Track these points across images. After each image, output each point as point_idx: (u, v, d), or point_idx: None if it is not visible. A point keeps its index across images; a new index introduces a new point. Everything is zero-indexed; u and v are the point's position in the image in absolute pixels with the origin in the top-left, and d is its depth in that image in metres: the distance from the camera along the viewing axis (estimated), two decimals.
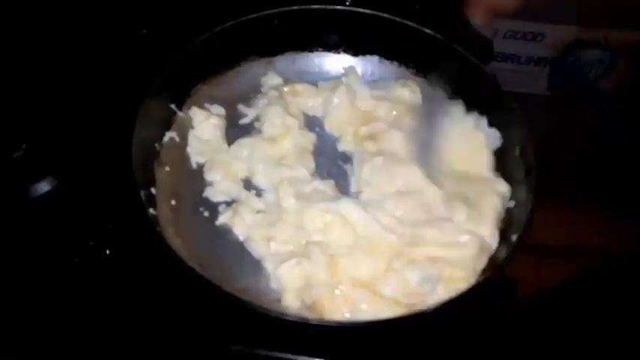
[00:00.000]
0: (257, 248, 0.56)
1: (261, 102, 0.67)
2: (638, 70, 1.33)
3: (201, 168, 0.63)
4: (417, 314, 0.48)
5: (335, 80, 0.69)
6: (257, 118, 0.67)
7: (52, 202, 0.62)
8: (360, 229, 0.55)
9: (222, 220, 0.58)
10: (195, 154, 0.63)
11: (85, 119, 0.66)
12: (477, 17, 0.55)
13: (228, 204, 0.60)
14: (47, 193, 0.62)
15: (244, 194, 0.60)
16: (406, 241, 0.54)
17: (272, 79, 0.69)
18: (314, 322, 0.46)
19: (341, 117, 0.66)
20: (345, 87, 0.67)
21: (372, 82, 0.70)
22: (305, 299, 0.52)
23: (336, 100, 0.66)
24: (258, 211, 0.59)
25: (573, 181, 1.65)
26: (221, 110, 0.67)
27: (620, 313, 0.74)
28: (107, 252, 0.57)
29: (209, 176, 0.61)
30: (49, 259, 0.57)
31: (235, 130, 0.66)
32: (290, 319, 0.46)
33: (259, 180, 0.61)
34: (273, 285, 0.54)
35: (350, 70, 0.70)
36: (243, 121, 0.67)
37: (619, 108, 1.42)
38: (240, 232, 0.57)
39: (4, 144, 0.64)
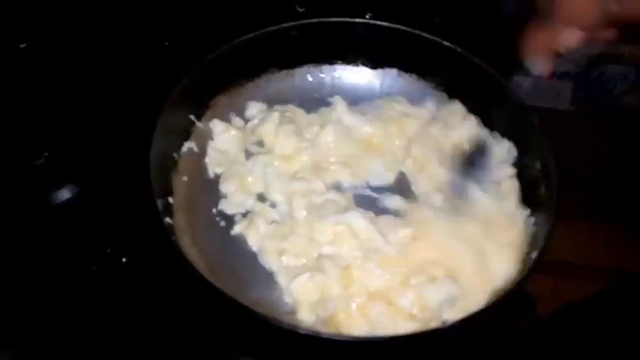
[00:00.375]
0: (269, 261, 0.56)
1: (270, 121, 0.66)
2: None
3: (218, 178, 0.63)
4: (433, 331, 0.47)
5: (324, 111, 0.68)
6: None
7: (72, 209, 0.63)
8: (367, 242, 0.54)
9: (237, 229, 0.58)
10: (213, 164, 0.64)
11: (106, 128, 0.68)
12: (537, 63, 0.50)
13: (244, 215, 0.60)
14: (67, 200, 0.63)
15: (258, 206, 0.60)
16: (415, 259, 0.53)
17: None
18: (326, 337, 0.46)
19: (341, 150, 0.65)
20: (333, 126, 0.66)
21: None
22: (320, 313, 0.52)
23: (329, 138, 0.65)
24: (272, 222, 0.58)
25: (597, 197, 1.62)
26: (240, 122, 0.67)
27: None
28: (123, 260, 0.57)
29: (224, 187, 0.62)
30: (68, 265, 0.58)
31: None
32: (302, 332, 0.46)
33: (274, 193, 0.61)
34: (287, 299, 0.53)
35: (337, 101, 0.69)
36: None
37: None
38: (254, 242, 0.57)
39: (27, 152, 0.66)
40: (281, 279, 0.54)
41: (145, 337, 0.54)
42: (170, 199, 0.58)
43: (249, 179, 0.62)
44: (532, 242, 0.54)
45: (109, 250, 0.59)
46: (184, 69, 0.64)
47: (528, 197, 0.59)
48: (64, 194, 0.64)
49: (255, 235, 0.57)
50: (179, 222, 0.57)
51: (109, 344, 0.54)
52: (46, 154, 0.65)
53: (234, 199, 0.61)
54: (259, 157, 0.64)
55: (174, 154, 0.62)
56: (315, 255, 0.55)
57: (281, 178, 0.61)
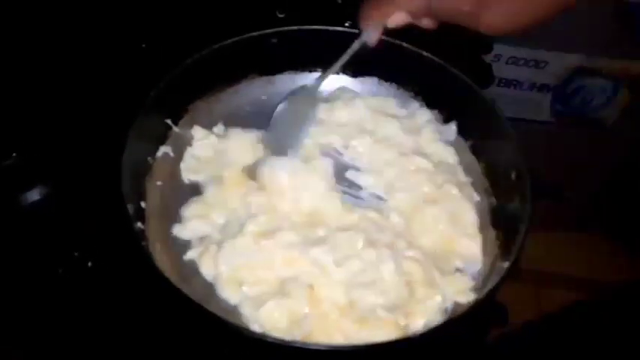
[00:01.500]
0: (230, 295, 0.53)
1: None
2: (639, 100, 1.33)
3: (192, 185, 0.62)
4: (403, 339, 0.47)
5: None
6: None
7: (41, 211, 0.62)
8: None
9: (190, 255, 0.56)
10: (188, 170, 0.63)
11: (78, 130, 0.67)
12: (367, 32, 0.59)
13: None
14: (36, 202, 0.63)
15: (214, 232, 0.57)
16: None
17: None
18: (297, 345, 0.45)
19: None
20: None
21: None
22: (296, 335, 0.50)
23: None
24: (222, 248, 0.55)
25: (580, 210, 1.65)
26: (221, 129, 0.66)
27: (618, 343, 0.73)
28: (89, 264, 0.57)
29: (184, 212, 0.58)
30: (35, 267, 0.57)
31: None
32: (271, 340, 0.45)
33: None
34: (256, 327, 0.50)
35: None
36: None
37: (621, 137, 1.43)
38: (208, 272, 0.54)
39: None
40: (245, 309, 0.51)
41: (110, 341, 0.54)
42: (142, 204, 0.57)
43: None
44: (504, 253, 0.54)
45: (76, 254, 0.58)
46: (162, 72, 0.63)
47: (503, 208, 0.59)
48: (33, 196, 0.63)
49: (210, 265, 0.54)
50: (151, 227, 0.56)
51: (74, 347, 0.54)
52: (14, 154, 0.64)
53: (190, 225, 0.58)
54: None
55: (149, 159, 0.61)
56: (276, 279, 0.53)
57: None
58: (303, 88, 0.67)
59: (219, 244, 0.55)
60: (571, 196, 0.56)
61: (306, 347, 0.45)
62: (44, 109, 0.69)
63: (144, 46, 0.77)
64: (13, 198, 0.63)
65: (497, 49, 1.31)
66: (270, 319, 0.50)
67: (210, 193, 0.59)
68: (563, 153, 1.47)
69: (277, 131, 0.63)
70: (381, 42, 0.62)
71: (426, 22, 0.56)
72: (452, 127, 0.67)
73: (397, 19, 0.56)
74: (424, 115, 0.67)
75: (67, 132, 0.67)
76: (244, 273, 0.53)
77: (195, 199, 0.59)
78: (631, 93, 1.36)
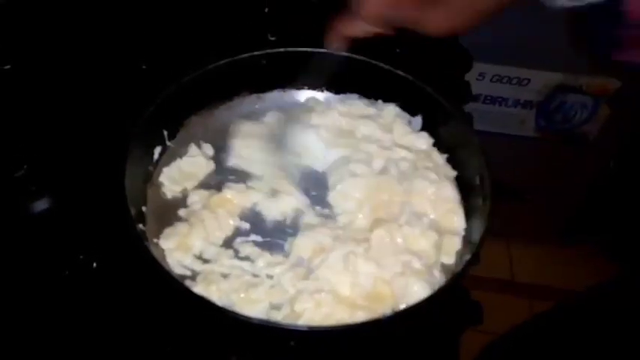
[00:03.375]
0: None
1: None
2: (618, 116, 1.39)
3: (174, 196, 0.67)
4: (373, 321, 0.51)
5: None
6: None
7: (49, 218, 0.66)
8: None
9: (197, 290, 0.56)
10: (170, 182, 0.67)
11: (83, 142, 0.72)
12: (332, 43, 0.65)
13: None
14: (45, 210, 0.67)
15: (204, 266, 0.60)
16: None
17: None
18: (304, 329, 0.51)
19: None
20: None
21: None
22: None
23: None
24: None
25: (561, 220, 1.69)
26: (210, 151, 0.71)
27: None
28: (94, 265, 0.61)
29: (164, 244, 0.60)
30: (43, 270, 0.61)
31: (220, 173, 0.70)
32: (275, 327, 0.50)
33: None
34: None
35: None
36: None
37: (603, 151, 1.48)
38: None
39: (7, 164, 0.69)
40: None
41: (115, 339, 0.57)
42: (144, 208, 0.63)
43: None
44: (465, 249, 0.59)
45: (81, 257, 0.63)
46: (161, 90, 0.69)
47: (469, 208, 0.65)
48: (42, 205, 0.68)
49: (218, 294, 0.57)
50: (152, 229, 0.62)
51: (82, 346, 0.57)
52: (26, 166, 0.69)
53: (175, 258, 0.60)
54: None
55: (149, 167, 0.67)
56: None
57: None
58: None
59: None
60: (531, 199, 0.60)
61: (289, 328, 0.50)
62: (53, 124, 0.74)
63: (144, 67, 0.84)
64: (24, 207, 0.67)
65: (482, 67, 1.37)
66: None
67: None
68: (547, 167, 1.52)
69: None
70: (360, 60, 0.69)
71: (384, 31, 0.62)
72: (418, 119, 0.73)
73: (360, 29, 0.61)
74: (392, 111, 0.74)
75: (73, 144, 0.72)
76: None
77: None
78: (610, 109, 1.41)
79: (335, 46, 0.64)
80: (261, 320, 0.52)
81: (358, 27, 0.60)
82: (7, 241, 0.63)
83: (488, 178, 0.59)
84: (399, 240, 0.59)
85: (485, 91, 1.44)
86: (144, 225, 0.61)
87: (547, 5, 0.49)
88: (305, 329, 0.50)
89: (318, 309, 0.53)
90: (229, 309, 0.53)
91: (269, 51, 0.75)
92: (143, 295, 0.59)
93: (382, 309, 0.54)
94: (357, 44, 0.64)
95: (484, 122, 1.47)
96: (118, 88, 0.78)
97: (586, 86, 1.39)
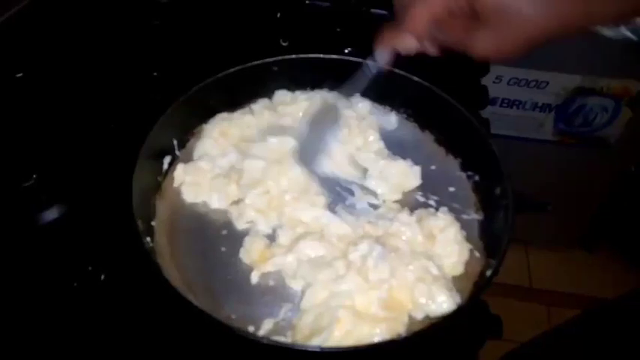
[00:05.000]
0: None
1: None
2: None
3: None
4: (392, 341, 0.50)
5: None
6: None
7: (58, 229, 0.66)
8: None
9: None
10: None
11: (93, 152, 0.71)
12: (380, 54, 0.61)
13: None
14: (54, 220, 0.66)
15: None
16: None
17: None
18: (297, 348, 0.49)
19: None
20: None
21: None
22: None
23: None
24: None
25: (580, 226, 1.65)
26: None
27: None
28: (102, 277, 0.60)
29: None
30: (51, 281, 0.61)
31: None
32: (280, 346, 0.49)
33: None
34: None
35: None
36: None
37: (624, 155, 1.44)
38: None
39: (16, 174, 0.69)
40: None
41: (122, 353, 0.56)
42: (153, 223, 0.62)
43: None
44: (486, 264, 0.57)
45: (90, 268, 0.62)
46: (172, 97, 0.68)
47: (489, 221, 0.62)
48: (51, 215, 0.67)
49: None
50: (160, 242, 0.60)
51: (88, 355, 0.56)
52: (35, 175, 0.68)
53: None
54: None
55: (158, 178, 0.66)
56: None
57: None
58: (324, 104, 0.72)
59: None
60: (554, 209, 0.58)
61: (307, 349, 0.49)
62: (62, 133, 0.73)
63: (155, 74, 0.82)
64: (33, 217, 0.66)
65: (499, 70, 1.34)
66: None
67: None
68: (566, 171, 1.49)
69: (307, 140, 0.68)
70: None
71: (431, 50, 0.59)
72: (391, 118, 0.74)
73: (407, 44, 0.58)
74: (365, 107, 0.74)
75: (83, 153, 0.71)
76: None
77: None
78: (632, 111, 1.37)
79: (382, 57, 0.61)
80: (269, 340, 0.51)
81: (404, 41, 0.58)
82: (16, 251, 0.63)
83: (510, 192, 0.56)
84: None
85: (503, 94, 1.41)
86: (152, 238, 0.60)
87: (607, 35, 0.47)
88: (317, 350, 0.48)
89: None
90: (239, 328, 0.51)
91: (281, 58, 0.74)
92: (151, 309, 0.58)
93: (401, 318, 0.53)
94: (400, 59, 0.61)
95: (501, 126, 1.44)
96: (129, 96, 0.78)
97: (606, 88, 1.36)
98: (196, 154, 0.69)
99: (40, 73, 0.76)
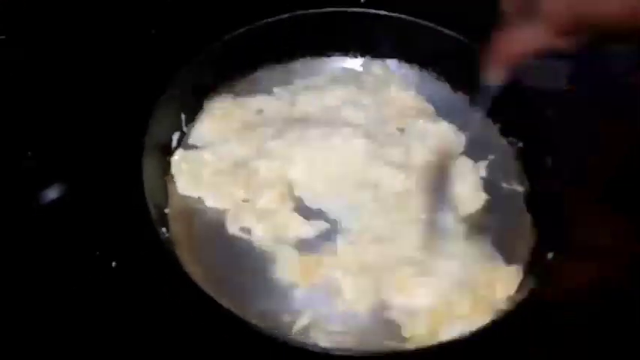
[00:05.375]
0: None
1: None
2: None
3: None
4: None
5: None
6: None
7: (59, 210, 0.60)
8: None
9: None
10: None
11: (93, 124, 0.65)
12: (494, 74, 0.46)
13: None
14: (54, 201, 0.61)
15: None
16: None
17: None
18: (319, 350, 0.45)
19: None
20: None
21: None
22: None
23: None
24: None
25: (600, 183, 1.61)
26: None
27: None
28: (113, 264, 0.55)
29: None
30: (56, 268, 0.56)
31: None
32: (304, 348, 0.45)
33: None
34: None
35: None
36: None
37: None
38: None
39: (9, 152, 0.63)
40: None
41: (136, 344, 0.52)
42: (166, 210, 0.56)
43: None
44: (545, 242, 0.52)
45: (98, 253, 0.56)
46: (173, 58, 0.61)
47: (539, 193, 0.57)
48: (51, 194, 0.61)
49: None
50: (174, 229, 0.55)
51: (98, 352, 0.52)
52: (30, 153, 0.63)
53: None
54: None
55: (168, 157, 0.60)
56: None
57: None
58: None
59: None
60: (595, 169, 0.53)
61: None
62: (57, 105, 0.67)
63: (153, 32, 0.75)
64: (31, 197, 0.61)
65: None
66: None
67: None
68: (582, 123, 1.43)
69: None
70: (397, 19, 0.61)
71: (566, 39, 0.42)
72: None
73: (531, 41, 0.42)
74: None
75: (81, 127, 0.65)
76: None
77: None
78: None
79: (497, 76, 0.46)
80: (285, 337, 0.47)
81: (531, 39, 0.42)
82: (14, 236, 0.57)
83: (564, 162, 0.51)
84: None
85: None
86: (167, 227, 0.54)
87: None
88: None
89: None
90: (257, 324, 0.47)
91: (295, 13, 0.66)
92: (166, 299, 0.53)
93: None
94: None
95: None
96: (127, 59, 0.70)
97: None
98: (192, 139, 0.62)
99: (26, 37, 0.70)
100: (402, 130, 0.63)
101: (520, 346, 0.51)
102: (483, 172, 0.60)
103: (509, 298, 0.51)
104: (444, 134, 0.62)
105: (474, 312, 0.50)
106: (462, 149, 0.61)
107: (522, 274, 0.52)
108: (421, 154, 0.61)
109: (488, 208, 0.58)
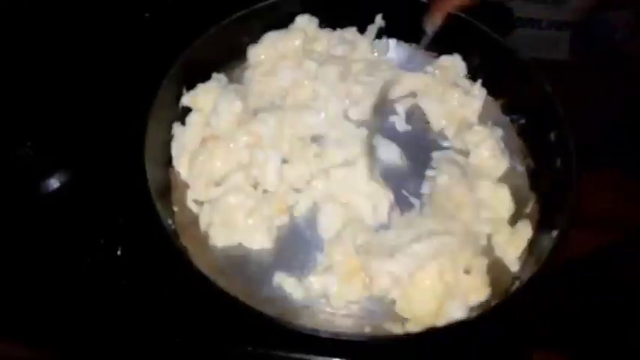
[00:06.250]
0: None
1: None
2: None
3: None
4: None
5: None
6: None
7: (62, 198, 0.60)
8: None
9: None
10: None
11: (92, 112, 0.64)
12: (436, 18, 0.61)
13: None
14: (56, 189, 0.61)
15: None
16: None
17: None
18: (325, 336, 0.45)
19: None
20: None
21: None
22: None
23: None
24: None
25: (601, 150, 1.60)
26: None
27: None
28: (118, 252, 0.55)
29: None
30: (60, 256, 0.56)
31: None
32: (308, 333, 0.45)
33: None
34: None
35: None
36: None
37: None
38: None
39: (8, 142, 0.63)
40: None
41: (138, 331, 0.52)
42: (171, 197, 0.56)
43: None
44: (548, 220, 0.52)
45: (102, 241, 0.56)
46: (167, 41, 0.61)
47: (543, 170, 0.57)
48: (53, 183, 0.61)
49: None
50: (178, 214, 0.55)
51: (103, 339, 0.53)
52: (29, 143, 0.62)
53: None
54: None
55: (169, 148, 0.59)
56: None
57: None
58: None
59: None
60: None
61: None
62: (55, 94, 0.66)
63: (147, 15, 0.73)
64: (33, 186, 0.61)
65: None
66: None
67: None
68: (584, 92, 1.42)
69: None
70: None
71: None
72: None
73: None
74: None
75: (81, 115, 0.64)
76: None
77: None
78: None
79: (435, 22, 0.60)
80: (281, 320, 0.47)
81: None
82: (18, 226, 0.58)
83: (569, 136, 0.50)
84: None
85: (518, 13, 1.31)
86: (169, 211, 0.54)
87: None
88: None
89: None
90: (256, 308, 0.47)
91: None
92: (169, 284, 0.53)
93: None
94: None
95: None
96: (123, 45, 0.69)
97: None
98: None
99: (24, 31, 0.68)
100: None
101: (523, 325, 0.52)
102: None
103: (514, 275, 0.51)
104: None
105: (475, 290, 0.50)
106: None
107: (527, 252, 0.52)
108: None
109: None
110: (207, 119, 0.59)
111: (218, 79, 0.62)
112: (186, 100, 0.60)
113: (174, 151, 0.58)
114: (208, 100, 0.60)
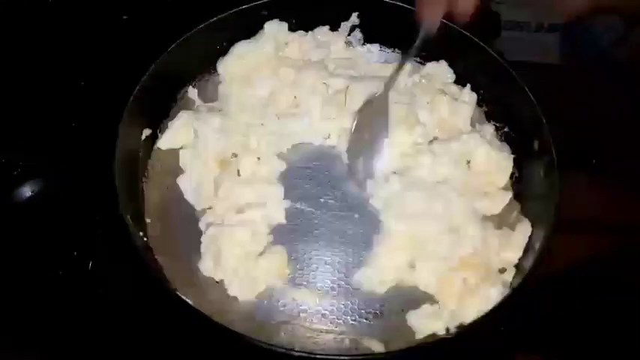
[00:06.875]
0: None
1: None
2: None
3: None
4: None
5: None
6: None
7: (34, 207, 0.59)
8: None
9: None
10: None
11: (65, 119, 0.63)
12: (430, 18, 0.55)
13: None
14: (28, 198, 0.59)
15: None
16: None
17: None
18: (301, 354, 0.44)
19: None
20: None
21: None
22: None
23: None
24: None
25: (589, 155, 1.59)
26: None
27: None
28: (89, 266, 0.54)
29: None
30: (32, 268, 0.55)
31: None
32: (278, 350, 0.44)
33: None
34: None
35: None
36: None
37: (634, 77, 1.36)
38: None
39: None
40: None
41: (113, 347, 0.51)
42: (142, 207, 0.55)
43: None
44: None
45: (75, 254, 0.55)
46: (146, 44, 0.59)
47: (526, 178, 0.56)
48: (25, 192, 0.60)
49: None
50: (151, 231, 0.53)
51: (74, 352, 0.51)
52: None
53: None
54: None
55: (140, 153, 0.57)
56: None
57: None
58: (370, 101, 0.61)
59: None
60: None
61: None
62: (27, 101, 0.65)
63: (125, 17, 0.72)
64: (4, 195, 0.59)
65: None
66: None
67: None
68: (573, 97, 1.41)
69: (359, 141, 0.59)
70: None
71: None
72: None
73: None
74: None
75: (52, 123, 0.63)
76: None
77: None
78: None
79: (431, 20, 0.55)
80: (253, 339, 0.45)
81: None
82: None
83: (551, 145, 0.49)
84: None
85: (506, 16, 1.31)
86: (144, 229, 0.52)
87: None
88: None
89: None
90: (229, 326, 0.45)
91: None
92: (148, 307, 0.52)
93: None
94: None
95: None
96: (96, 43, 0.68)
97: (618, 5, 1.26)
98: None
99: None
100: None
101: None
102: None
103: (506, 284, 0.50)
104: None
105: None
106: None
107: (517, 260, 0.52)
108: None
109: None
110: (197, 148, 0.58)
111: (187, 114, 0.60)
112: (163, 144, 0.59)
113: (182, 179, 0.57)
114: (188, 133, 0.59)
